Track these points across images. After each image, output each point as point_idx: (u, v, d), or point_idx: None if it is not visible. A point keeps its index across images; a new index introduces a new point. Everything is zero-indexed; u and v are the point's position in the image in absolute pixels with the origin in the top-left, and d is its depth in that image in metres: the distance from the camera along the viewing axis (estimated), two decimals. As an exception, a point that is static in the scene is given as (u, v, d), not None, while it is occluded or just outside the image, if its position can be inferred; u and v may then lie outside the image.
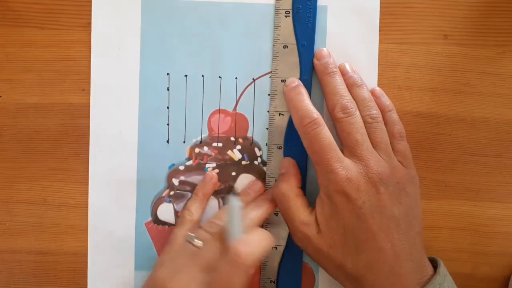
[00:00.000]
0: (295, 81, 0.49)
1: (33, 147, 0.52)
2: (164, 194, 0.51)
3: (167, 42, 0.51)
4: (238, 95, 0.51)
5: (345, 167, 0.44)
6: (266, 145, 0.51)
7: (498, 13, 0.51)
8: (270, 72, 0.51)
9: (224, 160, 0.51)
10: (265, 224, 0.51)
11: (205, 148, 0.51)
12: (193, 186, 0.51)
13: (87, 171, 0.52)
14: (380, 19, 0.50)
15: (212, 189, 0.51)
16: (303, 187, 0.50)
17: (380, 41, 0.51)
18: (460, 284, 0.51)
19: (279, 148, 0.50)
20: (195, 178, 0.51)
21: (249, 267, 0.42)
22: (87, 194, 0.52)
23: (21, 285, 0.52)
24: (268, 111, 0.51)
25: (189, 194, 0.51)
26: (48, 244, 0.52)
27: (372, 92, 0.49)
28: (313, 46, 0.50)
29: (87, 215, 0.52)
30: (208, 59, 0.51)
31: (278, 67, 0.50)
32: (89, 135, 0.51)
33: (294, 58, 0.50)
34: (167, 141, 0.51)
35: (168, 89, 0.51)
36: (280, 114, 0.50)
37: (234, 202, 0.43)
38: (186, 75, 0.51)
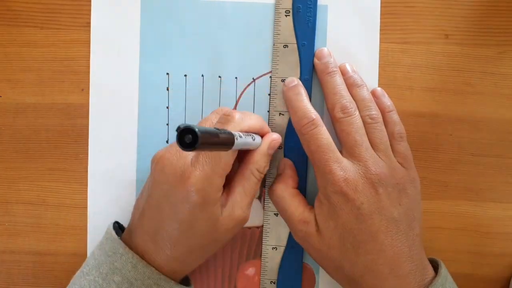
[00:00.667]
0: (294, 80, 0.48)
1: (32, 147, 0.52)
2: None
3: (167, 41, 0.51)
4: (238, 95, 0.51)
5: (343, 167, 0.44)
6: (266, 145, 0.51)
7: (499, 12, 0.51)
8: (270, 72, 0.51)
9: (224, 160, 0.51)
10: (265, 224, 0.51)
11: (205, 148, 0.51)
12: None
13: (86, 171, 0.51)
14: (380, 18, 0.50)
15: None
16: (303, 187, 0.50)
17: (381, 41, 0.50)
18: (460, 284, 0.51)
19: (279, 148, 0.50)
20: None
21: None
22: (86, 195, 0.52)
23: (20, 285, 0.52)
24: (268, 111, 0.51)
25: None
26: (47, 244, 0.52)
27: (373, 92, 0.49)
28: (313, 46, 0.50)
29: (86, 215, 0.52)
30: (208, 59, 0.51)
31: (278, 66, 0.50)
32: (88, 135, 0.51)
33: (294, 58, 0.50)
34: (167, 141, 0.51)
35: (167, 89, 0.51)
36: (280, 114, 0.50)
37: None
38: (185, 75, 0.51)
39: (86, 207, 0.52)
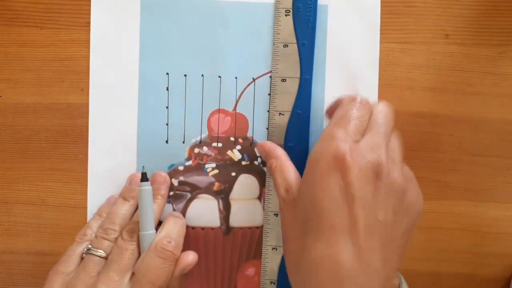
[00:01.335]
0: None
1: (32, 147, 0.52)
2: (164, 196, 0.51)
3: (167, 41, 0.51)
4: (238, 94, 0.51)
5: (355, 145, 0.39)
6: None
7: (499, 12, 0.51)
8: (270, 71, 0.50)
9: (224, 160, 0.51)
10: (265, 224, 0.51)
11: (205, 148, 0.51)
12: (192, 187, 0.51)
13: (86, 172, 0.51)
14: (381, 18, 0.50)
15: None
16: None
17: (381, 41, 0.50)
18: (460, 284, 0.51)
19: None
20: (194, 179, 0.51)
21: (178, 255, 0.46)
22: (86, 195, 0.51)
23: (20, 286, 0.52)
24: (268, 111, 0.51)
25: (189, 194, 0.51)
26: (47, 244, 0.52)
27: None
28: (313, 45, 0.50)
29: (86, 215, 0.52)
30: (208, 58, 0.51)
31: (278, 66, 0.50)
32: (88, 135, 0.51)
33: (294, 57, 0.50)
34: (166, 141, 0.51)
35: (167, 89, 0.51)
36: (280, 113, 0.50)
37: (145, 185, 0.46)
38: (185, 75, 0.51)
39: (86, 207, 0.52)
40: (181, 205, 0.51)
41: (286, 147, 0.50)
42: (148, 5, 0.50)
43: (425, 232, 0.51)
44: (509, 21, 0.51)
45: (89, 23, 0.51)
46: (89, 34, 0.51)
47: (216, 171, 0.51)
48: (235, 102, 0.51)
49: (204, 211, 0.51)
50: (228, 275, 0.52)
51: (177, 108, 0.51)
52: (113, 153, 0.51)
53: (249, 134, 0.51)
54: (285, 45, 0.50)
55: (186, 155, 0.51)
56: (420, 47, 0.51)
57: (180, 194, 0.51)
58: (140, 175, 0.48)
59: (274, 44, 0.50)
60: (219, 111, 0.51)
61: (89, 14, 0.50)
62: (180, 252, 0.46)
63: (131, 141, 0.51)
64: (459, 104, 0.51)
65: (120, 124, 0.51)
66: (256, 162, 0.51)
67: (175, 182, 0.51)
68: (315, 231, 0.39)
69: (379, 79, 0.50)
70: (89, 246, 0.46)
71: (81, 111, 0.51)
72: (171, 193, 0.51)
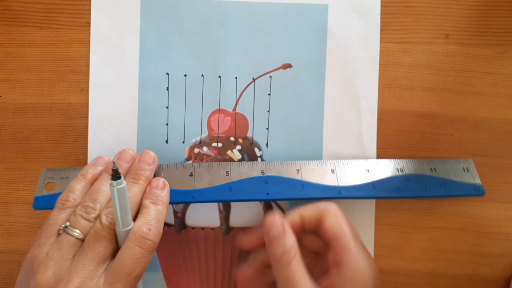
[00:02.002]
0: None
1: (32, 147, 0.52)
2: (163, 196, 0.51)
3: (167, 41, 0.51)
4: (238, 94, 0.51)
5: None
6: (266, 145, 0.51)
7: (499, 12, 0.51)
8: (270, 71, 0.50)
9: (224, 160, 0.51)
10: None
11: (205, 148, 0.51)
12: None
13: (86, 172, 0.51)
14: (380, 18, 0.50)
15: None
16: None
17: (381, 41, 0.50)
18: (460, 284, 0.51)
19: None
20: (194, 179, 0.51)
21: (158, 242, 0.42)
22: (86, 195, 0.51)
23: (19, 286, 0.52)
24: (268, 111, 0.51)
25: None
26: (47, 244, 0.52)
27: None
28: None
29: (86, 215, 0.51)
30: (208, 58, 0.51)
31: (278, 66, 0.50)
32: (87, 135, 0.51)
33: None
34: (166, 141, 0.51)
35: (167, 89, 0.51)
36: (280, 114, 0.50)
37: (120, 184, 0.40)
38: (185, 75, 0.51)
39: (86, 207, 0.51)
40: (181, 205, 0.51)
41: (286, 147, 0.50)
42: (148, 5, 0.50)
43: (425, 232, 0.51)
44: (509, 21, 0.51)
45: (89, 23, 0.51)
46: (89, 34, 0.51)
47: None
48: (235, 102, 0.51)
49: (204, 211, 0.51)
50: (228, 275, 0.52)
51: (177, 108, 0.51)
52: (113, 153, 0.51)
53: (249, 134, 0.51)
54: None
55: (186, 155, 0.51)
56: (420, 47, 0.51)
57: (181, 194, 0.51)
58: (129, 152, 0.47)
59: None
60: (219, 111, 0.51)
61: (89, 14, 0.51)
62: (159, 239, 0.43)
63: (131, 141, 0.51)
64: (459, 104, 0.51)
65: (120, 124, 0.51)
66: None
67: (175, 182, 0.51)
68: None
69: (379, 79, 0.50)
70: (68, 223, 0.42)
71: (81, 111, 0.51)
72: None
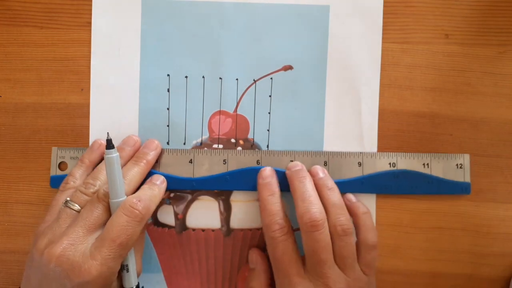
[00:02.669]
0: (267, 176, 0.49)
1: (32, 147, 0.52)
2: (164, 196, 0.51)
3: (168, 42, 0.51)
4: (239, 96, 0.51)
5: (304, 284, 0.44)
6: (267, 146, 0.51)
7: (499, 12, 0.51)
8: (271, 73, 0.50)
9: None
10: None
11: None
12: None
13: (87, 172, 0.51)
14: (381, 19, 0.50)
15: (100, 156, 0.50)
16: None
17: (381, 41, 0.50)
18: (460, 284, 0.51)
19: (280, 148, 0.50)
20: (195, 179, 0.51)
21: (146, 216, 0.44)
22: (87, 195, 0.51)
23: (19, 286, 0.52)
24: (269, 113, 0.51)
25: (189, 196, 0.51)
26: (47, 244, 0.52)
27: (346, 198, 0.49)
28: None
29: (87, 215, 0.52)
30: (209, 60, 0.51)
31: (279, 67, 0.50)
32: (87, 135, 0.51)
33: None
34: (167, 143, 0.51)
35: (168, 90, 0.51)
36: (280, 114, 0.50)
37: (111, 153, 0.44)
38: (186, 76, 0.51)
39: (86, 208, 0.52)
40: (182, 207, 0.51)
41: (287, 148, 0.50)
42: (149, 6, 0.50)
43: (425, 232, 0.51)
44: (509, 21, 0.51)
45: (89, 23, 0.51)
46: (89, 34, 0.51)
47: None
48: (236, 104, 0.51)
49: (205, 212, 0.51)
50: (228, 276, 0.52)
51: (178, 109, 0.51)
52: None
53: (250, 136, 0.51)
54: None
55: (186, 156, 0.51)
56: (420, 47, 0.51)
57: (181, 195, 0.51)
58: (133, 138, 0.50)
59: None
60: (220, 112, 0.51)
61: (89, 14, 0.50)
62: (149, 215, 0.45)
63: (132, 142, 0.51)
64: (459, 104, 0.51)
65: (121, 125, 0.51)
66: (256, 163, 0.51)
67: (176, 182, 0.51)
68: None
69: (379, 79, 0.50)
70: (68, 198, 0.45)
71: (81, 111, 0.51)
72: (172, 194, 0.51)
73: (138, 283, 0.46)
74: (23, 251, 0.52)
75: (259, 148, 0.51)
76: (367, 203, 0.50)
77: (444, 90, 0.51)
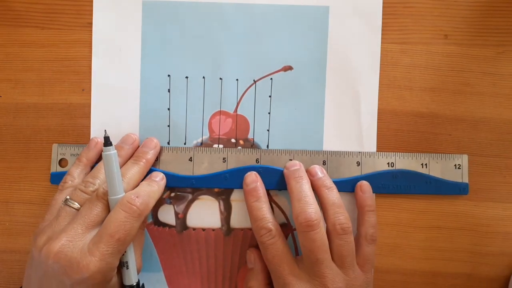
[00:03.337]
0: (253, 181, 0.49)
1: (33, 147, 0.52)
2: (164, 196, 0.51)
3: (168, 43, 0.51)
4: (239, 96, 0.51)
5: (300, 284, 0.45)
6: (267, 146, 0.51)
7: (498, 13, 0.51)
8: (271, 73, 0.51)
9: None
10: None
11: (206, 149, 0.51)
12: (193, 188, 0.51)
13: (87, 172, 0.51)
14: (380, 19, 0.51)
15: (97, 154, 0.50)
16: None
17: (381, 41, 0.50)
18: (460, 284, 0.51)
19: (280, 148, 0.50)
20: (195, 179, 0.51)
21: (144, 212, 0.45)
22: (88, 195, 0.52)
23: (20, 285, 0.52)
24: (269, 113, 0.51)
25: (190, 195, 0.51)
26: (48, 244, 0.52)
27: (360, 186, 0.49)
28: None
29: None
30: (209, 60, 0.51)
31: (279, 67, 0.50)
32: (88, 135, 0.51)
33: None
34: (168, 143, 0.51)
35: (169, 91, 0.51)
36: (280, 114, 0.50)
37: (109, 150, 0.44)
38: (187, 77, 0.51)
39: (87, 207, 0.52)
40: (182, 206, 0.51)
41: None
42: (149, 6, 0.50)
43: (424, 232, 0.52)
44: (508, 21, 0.51)
45: (90, 23, 0.51)
46: (90, 34, 0.51)
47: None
48: (236, 104, 0.51)
49: (205, 212, 0.51)
50: (228, 275, 0.52)
51: (178, 109, 0.51)
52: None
53: (250, 136, 0.51)
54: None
55: (187, 156, 0.51)
56: (419, 48, 0.51)
57: (182, 195, 0.51)
58: (131, 136, 0.50)
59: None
60: (220, 112, 0.51)
61: (90, 14, 0.51)
62: (147, 211, 0.45)
63: (133, 142, 0.51)
64: (458, 104, 0.51)
65: (122, 125, 0.51)
66: (256, 163, 0.51)
67: (176, 182, 0.51)
68: None
69: (378, 80, 0.51)
70: (68, 197, 0.46)
71: (82, 111, 0.51)
72: (172, 194, 0.51)
73: (139, 280, 0.46)
74: (24, 250, 0.52)
75: (259, 148, 0.51)
76: (366, 203, 0.51)
77: (443, 90, 0.51)
